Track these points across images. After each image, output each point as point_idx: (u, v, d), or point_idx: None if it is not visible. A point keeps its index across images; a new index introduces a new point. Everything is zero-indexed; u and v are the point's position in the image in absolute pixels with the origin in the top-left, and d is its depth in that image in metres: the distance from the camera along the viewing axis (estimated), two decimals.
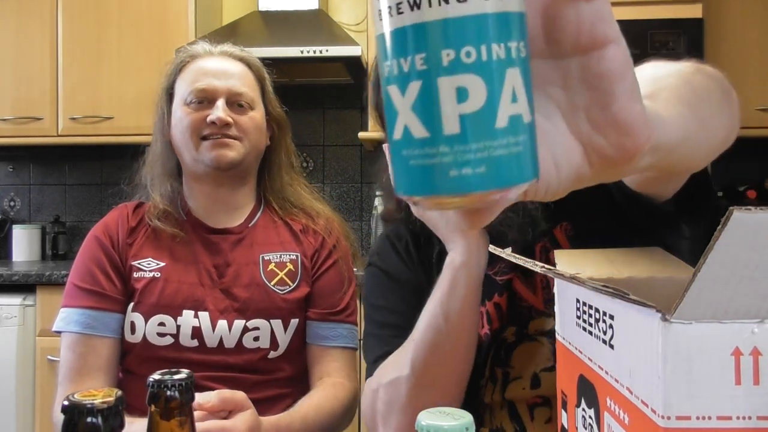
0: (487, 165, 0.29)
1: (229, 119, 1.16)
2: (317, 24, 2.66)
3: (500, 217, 0.62)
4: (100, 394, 0.49)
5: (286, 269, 1.22)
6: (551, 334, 0.86)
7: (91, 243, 1.21)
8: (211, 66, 1.20)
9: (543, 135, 0.35)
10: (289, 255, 1.23)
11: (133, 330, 1.15)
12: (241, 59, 1.25)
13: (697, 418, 0.37)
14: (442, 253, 0.85)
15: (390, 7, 0.29)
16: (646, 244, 0.67)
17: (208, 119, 1.15)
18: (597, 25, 0.34)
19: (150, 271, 1.18)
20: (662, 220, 0.82)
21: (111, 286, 1.17)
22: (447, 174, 0.29)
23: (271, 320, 1.17)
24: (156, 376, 0.54)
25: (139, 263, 1.19)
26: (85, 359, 1.13)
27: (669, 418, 0.37)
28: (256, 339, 1.17)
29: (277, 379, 1.18)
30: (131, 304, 1.16)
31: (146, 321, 1.14)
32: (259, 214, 1.27)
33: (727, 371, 0.37)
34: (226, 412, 0.91)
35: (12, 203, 3.11)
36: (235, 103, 1.19)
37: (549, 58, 0.36)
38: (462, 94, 0.28)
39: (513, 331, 0.89)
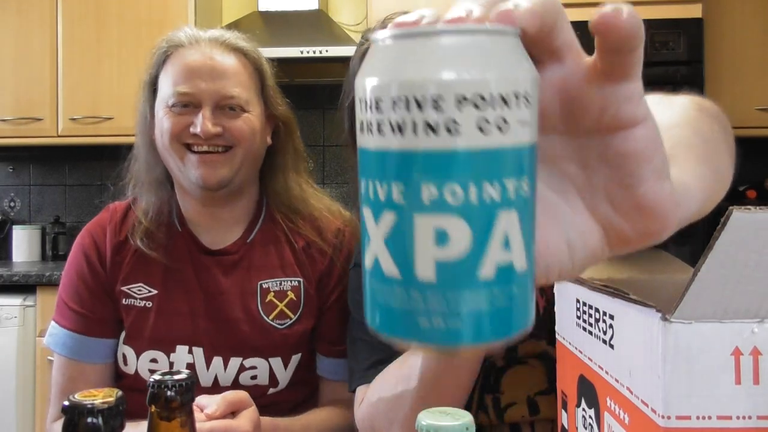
0: (462, 319, 0.25)
1: (217, 130, 1.01)
2: (317, 24, 2.66)
3: None
4: (100, 394, 0.49)
5: (287, 299, 1.08)
6: (543, 356, 0.84)
7: (78, 257, 1.11)
8: (196, 61, 1.03)
9: (557, 215, 0.33)
10: (291, 282, 1.09)
11: (125, 362, 1.08)
12: (236, 49, 1.07)
13: (697, 417, 0.37)
14: None
15: (370, 123, 0.26)
16: None
17: (192, 130, 1.01)
18: (623, 107, 0.31)
19: (141, 299, 1.07)
20: None
21: (100, 308, 1.08)
22: (415, 322, 0.25)
23: (269, 359, 1.07)
24: (156, 376, 0.54)
25: (128, 289, 1.08)
26: (75, 383, 1.07)
27: (669, 417, 0.37)
28: (253, 378, 1.07)
29: (276, 411, 1.06)
30: (122, 335, 1.08)
31: (138, 356, 1.07)
32: (258, 225, 1.12)
33: (727, 371, 0.37)
34: (230, 413, 0.90)
35: (12, 204, 3.11)
36: (226, 106, 1.03)
37: (565, 134, 0.32)
38: (441, 238, 0.24)
39: (501, 354, 0.86)
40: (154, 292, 1.08)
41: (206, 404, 0.86)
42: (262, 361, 1.07)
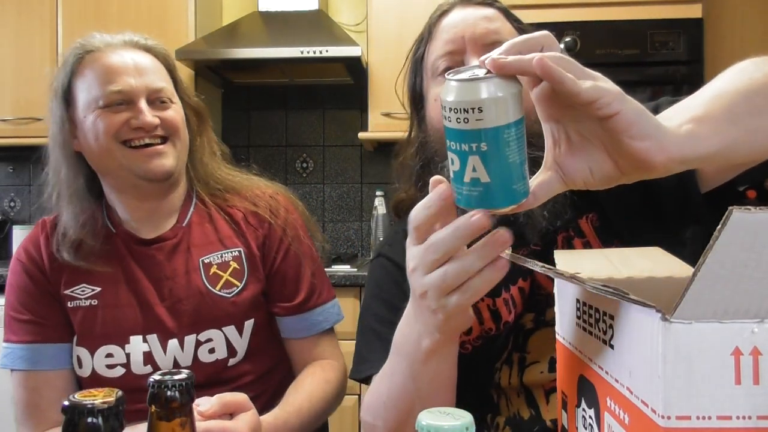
0: (461, 196, 0.56)
1: (156, 121, 1.05)
2: (317, 24, 2.66)
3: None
4: (100, 394, 0.49)
5: (231, 269, 1.12)
6: None
7: (17, 272, 1.11)
8: (119, 62, 1.06)
9: (586, 150, 0.56)
10: (231, 252, 1.13)
11: (80, 364, 1.08)
12: (147, 49, 1.11)
13: (697, 417, 0.37)
14: None
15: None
16: (670, 240, 0.69)
17: (133, 125, 1.03)
18: (598, 112, 0.51)
19: (86, 299, 1.08)
20: (691, 218, 0.85)
21: (49, 313, 1.08)
22: (456, 197, 0.57)
23: (223, 328, 1.10)
24: (156, 376, 0.54)
25: (72, 291, 1.08)
26: (41, 393, 1.07)
27: (669, 417, 0.37)
28: (211, 351, 1.09)
29: (243, 385, 1.10)
30: (75, 338, 1.08)
31: (92, 354, 1.07)
32: (191, 210, 1.16)
33: (727, 371, 0.37)
34: (228, 415, 0.89)
35: (12, 203, 3.11)
36: (157, 99, 1.07)
37: (579, 109, 0.53)
38: (452, 162, 0.55)
39: (531, 317, 0.90)
40: (98, 289, 1.09)
41: (202, 404, 0.86)
42: (216, 332, 1.09)
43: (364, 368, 0.91)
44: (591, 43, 2.38)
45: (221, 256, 1.13)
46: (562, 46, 0.65)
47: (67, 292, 1.09)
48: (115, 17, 2.68)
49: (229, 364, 1.10)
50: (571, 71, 0.52)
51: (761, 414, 0.37)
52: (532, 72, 0.52)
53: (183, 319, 1.09)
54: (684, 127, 0.55)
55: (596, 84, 0.51)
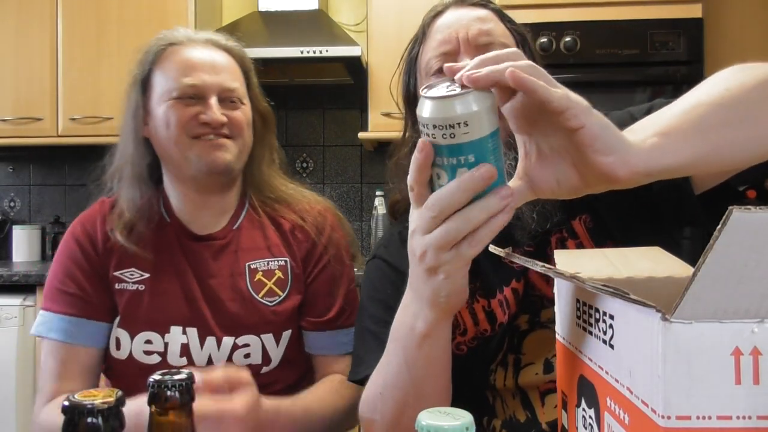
0: None
1: (225, 119, 1.08)
2: (317, 24, 2.66)
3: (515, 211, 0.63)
4: (100, 394, 0.49)
5: (275, 278, 1.14)
6: None
7: (71, 245, 1.13)
8: (197, 57, 1.10)
9: (554, 163, 0.58)
10: (278, 261, 1.15)
11: (118, 346, 1.09)
12: (227, 49, 1.15)
13: (697, 417, 0.37)
14: None
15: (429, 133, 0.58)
16: (665, 241, 0.69)
17: (202, 119, 1.07)
18: (565, 123, 0.54)
19: (133, 283, 1.10)
20: (686, 220, 0.85)
21: (94, 290, 1.10)
22: None
23: (261, 335, 1.11)
24: (156, 376, 0.54)
25: (121, 273, 1.11)
26: (66, 366, 1.09)
27: (669, 417, 0.37)
28: (247, 356, 1.10)
29: (271, 392, 1.06)
30: (117, 320, 1.10)
31: (132, 338, 1.09)
32: (243, 214, 1.18)
33: (727, 371, 0.37)
34: (227, 391, 0.87)
35: (12, 204, 3.11)
36: (227, 99, 1.10)
37: (550, 125, 0.55)
38: (439, 176, 0.57)
39: (526, 319, 0.90)
40: (146, 275, 1.11)
41: (206, 371, 0.86)
42: (254, 339, 1.11)
43: (360, 369, 0.91)
44: (591, 43, 2.38)
45: (267, 264, 1.15)
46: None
47: (116, 273, 1.11)
48: (115, 17, 2.68)
49: (261, 372, 1.10)
50: (542, 80, 0.54)
51: (761, 414, 0.37)
52: (504, 82, 0.53)
53: (224, 320, 1.10)
54: (649, 140, 0.56)
55: (567, 93, 0.54)
